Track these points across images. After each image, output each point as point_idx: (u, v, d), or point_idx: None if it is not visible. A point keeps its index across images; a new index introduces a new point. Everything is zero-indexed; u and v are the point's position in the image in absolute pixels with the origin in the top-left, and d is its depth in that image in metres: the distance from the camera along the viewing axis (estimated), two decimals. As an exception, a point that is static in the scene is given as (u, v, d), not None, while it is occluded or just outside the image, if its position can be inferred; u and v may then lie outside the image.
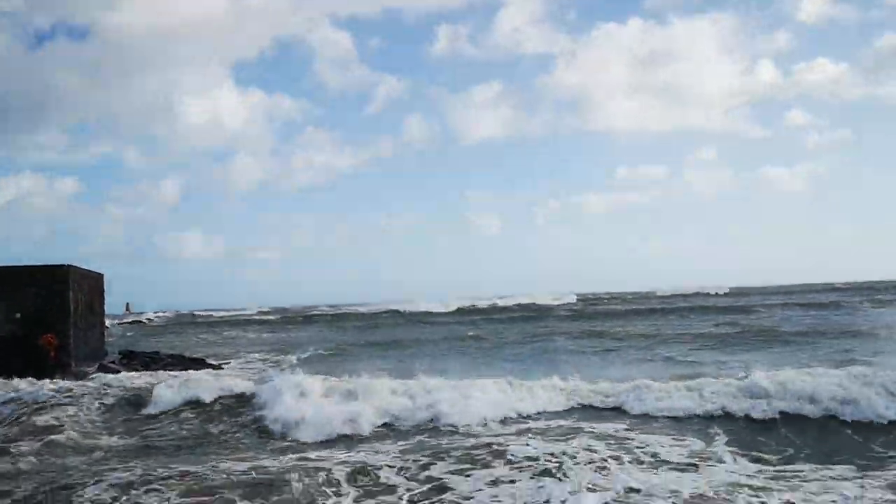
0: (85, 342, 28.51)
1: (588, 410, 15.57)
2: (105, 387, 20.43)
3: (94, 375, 23.92)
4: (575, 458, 10.94)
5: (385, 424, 14.85)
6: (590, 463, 10.73)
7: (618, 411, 15.33)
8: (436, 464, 11.02)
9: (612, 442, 12.31)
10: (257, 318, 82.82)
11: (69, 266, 26.71)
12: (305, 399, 15.87)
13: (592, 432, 13.14)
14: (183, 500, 9.53)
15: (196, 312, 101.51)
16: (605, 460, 10.95)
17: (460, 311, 71.25)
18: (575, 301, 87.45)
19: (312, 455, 12.17)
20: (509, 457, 11.06)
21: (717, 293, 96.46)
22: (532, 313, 62.27)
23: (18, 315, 25.59)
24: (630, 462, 10.97)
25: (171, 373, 25.63)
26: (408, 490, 9.89)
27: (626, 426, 13.75)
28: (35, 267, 26.17)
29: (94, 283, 30.77)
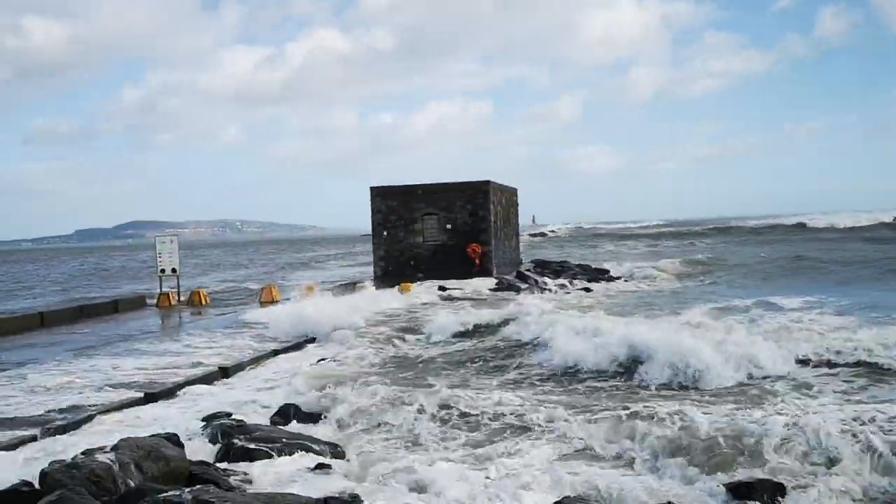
0: (503, 251, 31.28)
1: None
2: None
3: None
4: None
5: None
6: None
7: None
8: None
9: None
10: (653, 231, 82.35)
11: (489, 182, 29.26)
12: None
13: None
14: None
15: (595, 225, 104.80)
16: None
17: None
18: None
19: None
20: None
21: None
22: None
23: (450, 226, 28.99)
24: None
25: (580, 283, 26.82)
26: None
27: None
28: (461, 183, 29.22)
29: (509, 197, 33.36)
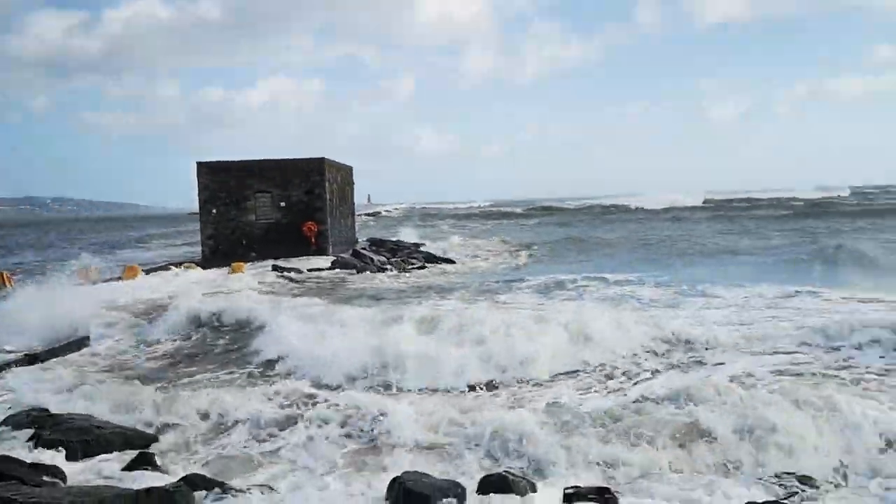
0: (339, 229, 30.90)
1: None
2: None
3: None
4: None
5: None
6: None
7: None
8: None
9: None
10: (478, 212, 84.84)
11: (324, 159, 28.72)
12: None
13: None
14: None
15: (429, 205, 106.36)
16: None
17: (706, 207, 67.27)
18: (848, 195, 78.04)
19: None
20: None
21: None
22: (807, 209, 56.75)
23: (283, 204, 28.20)
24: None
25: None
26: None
27: None
28: (296, 160, 28.46)
29: (345, 176, 32.97)
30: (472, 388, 9.78)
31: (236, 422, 8.29)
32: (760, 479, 6.51)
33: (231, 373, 11.12)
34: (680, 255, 27.07)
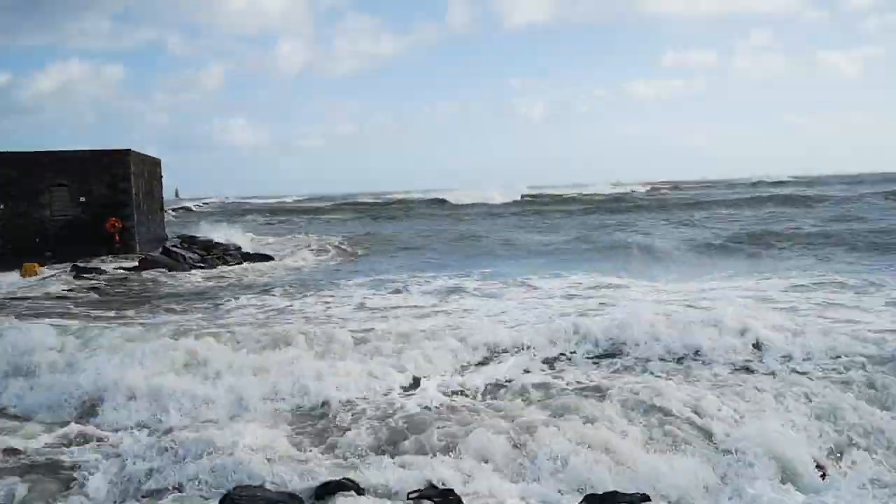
0: (147, 226, 29.09)
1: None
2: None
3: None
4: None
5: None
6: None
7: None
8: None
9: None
10: (294, 205, 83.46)
11: (130, 151, 26.88)
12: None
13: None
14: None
15: (244, 200, 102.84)
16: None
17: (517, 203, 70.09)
18: (644, 191, 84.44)
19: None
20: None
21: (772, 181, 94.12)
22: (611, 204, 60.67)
23: (83, 198, 26.04)
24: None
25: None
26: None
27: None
28: (97, 152, 26.38)
29: (152, 169, 31.07)
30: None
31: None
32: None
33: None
34: (491, 251, 28.04)
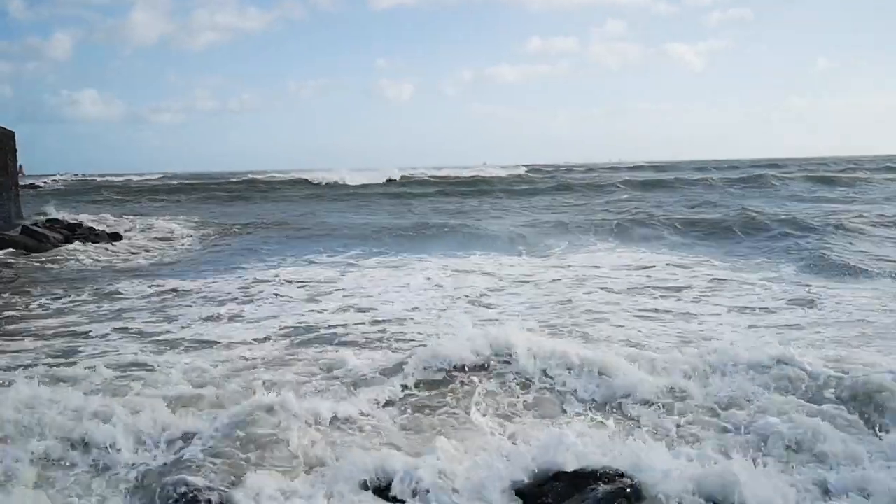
0: (1, 205, 26.83)
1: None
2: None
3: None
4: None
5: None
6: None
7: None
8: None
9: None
10: (158, 183, 79.46)
11: (-19, 122, 24.61)
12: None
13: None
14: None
15: (98, 176, 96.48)
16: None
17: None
18: (524, 173, 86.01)
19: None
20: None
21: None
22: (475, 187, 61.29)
23: (-73, 173, 23.63)
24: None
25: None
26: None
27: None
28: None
29: (5, 142, 28.61)
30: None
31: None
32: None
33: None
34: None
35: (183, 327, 11.35)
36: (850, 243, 20.07)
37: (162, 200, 54.13)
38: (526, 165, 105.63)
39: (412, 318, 11.65)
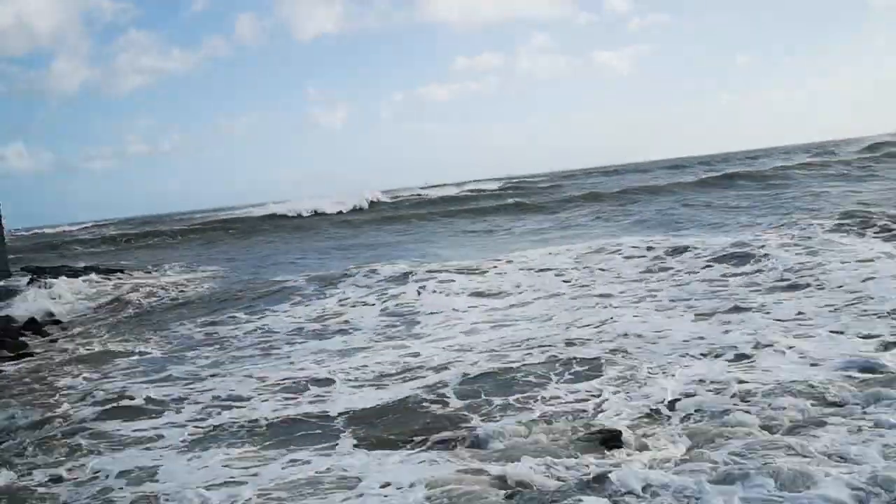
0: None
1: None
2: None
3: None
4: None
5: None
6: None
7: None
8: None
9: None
10: (115, 232, 74.29)
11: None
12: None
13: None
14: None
15: (23, 233, 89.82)
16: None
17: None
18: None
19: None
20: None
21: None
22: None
23: None
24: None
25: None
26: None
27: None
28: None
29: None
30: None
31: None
32: None
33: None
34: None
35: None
36: None
37: (138, 248, 49.69)
38: (473, 180, 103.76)
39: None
